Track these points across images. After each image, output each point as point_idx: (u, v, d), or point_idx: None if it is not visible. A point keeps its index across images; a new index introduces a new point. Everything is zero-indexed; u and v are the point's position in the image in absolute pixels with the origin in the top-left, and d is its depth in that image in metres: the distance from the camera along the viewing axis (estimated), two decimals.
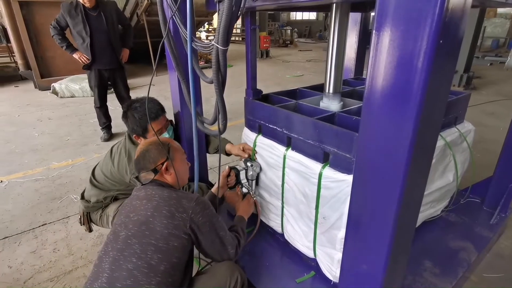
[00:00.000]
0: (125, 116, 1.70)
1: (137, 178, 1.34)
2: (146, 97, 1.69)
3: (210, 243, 1.23)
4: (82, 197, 1.87)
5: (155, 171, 1.29)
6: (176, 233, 1.13)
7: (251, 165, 1.68)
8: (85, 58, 3.54)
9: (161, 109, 1.74)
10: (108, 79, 3.77)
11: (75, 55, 3.54)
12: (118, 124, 3.89)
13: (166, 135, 1.75)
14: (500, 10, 13.04)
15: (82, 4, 3.33)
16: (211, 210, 1.24)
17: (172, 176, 1.33)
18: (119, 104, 3.96)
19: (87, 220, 1.90)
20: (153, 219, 1.13)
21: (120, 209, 1.27)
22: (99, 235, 2.16)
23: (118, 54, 3.69)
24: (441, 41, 0.68)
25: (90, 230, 1.95)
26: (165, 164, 1.30)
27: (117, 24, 3.66)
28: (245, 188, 1.75)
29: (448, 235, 1.86)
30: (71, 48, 3.54)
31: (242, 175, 1.74)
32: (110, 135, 4.00)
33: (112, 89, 3.94)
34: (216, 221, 1.24)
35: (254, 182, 1.73)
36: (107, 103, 3.94)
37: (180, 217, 1.15)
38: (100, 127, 4.00)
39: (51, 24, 3.45)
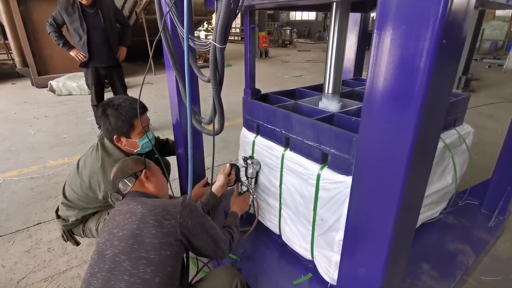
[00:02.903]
0: (104, 114, 1.55)
1: (118, 192, 1.30)
2: (124, 96, 1.67)
3: (202, 244, 1.20)
4: (58, 216, 1.75)
5: (135, 176, 1.27)
6: (167, 241, 1.09)
7: (251, 163, 1.67)
8: (81, 56, 3.51)
9: (145, 106, 1.68)
10: (105, 77, 3.74)
11: (72, 53, 3.52)
12: None
13: (150, 134, 1.67)
14: (498, 12, 13.08)
15: (79, 1, 3.31)
16: (198, 211, 1.21)
17: (154, 185, 1.31)
18: None
19: (71, 236, 1.80)
20: (140, 231, 1.07)
21: (103, 226, 1.21)
22: None
23: (115, 52, 3.67)
24: (444, 41, 0.66)
25: (77, 243, 1.87)
26: (144, 171, 1.30)
27: (115, 22, 3.64)
28: (245, 186, 1.74)
29: (446, 238, 1.85)
30: (68, 46, 3.51)
31: (242, 172, 1.73)
32: None
33: (110, 88, 3.91)
34: (205, 221, 1.22)
35: (253, 180, 1.72)
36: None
37: (169, 224, 1.10)
38: (98, 125, 3.96)
39: (47, 21, 3.43)
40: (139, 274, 1.02)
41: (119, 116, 1.54)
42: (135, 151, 1.66)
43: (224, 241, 1.28)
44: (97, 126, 3.97)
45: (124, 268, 1.02)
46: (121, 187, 1.29)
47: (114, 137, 1.58)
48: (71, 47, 3.52)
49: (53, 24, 3.41)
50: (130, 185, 1.28)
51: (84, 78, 3.89)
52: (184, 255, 1.27)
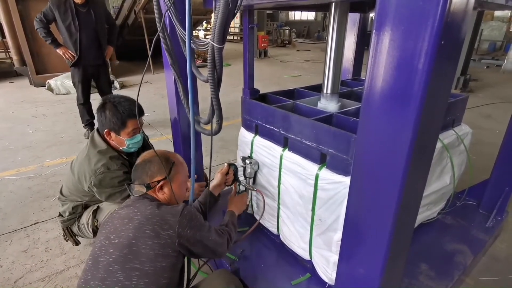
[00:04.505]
0: (103, 108, 1.63)
1: (129, 186, 1.27)
2: (126, 96, 1.69)
3: (202, 250, 1.18)
4: (59, 214, 1.87)
5: (148, 187, 1.22)
6: (164, 253, 1.06)
7: (250, 163, 1.67)
8: (69, 54, 3.50)
9: (142, 110, 1.72)
10: (92, 75, 3.76)
11: (59, 51, 3.50)
12: None
13: (139, 136, 1.70)
14: (497, 13, 13.11)
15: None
16: (198, 220, 1.18)
17: (165, 196, 1.26)
18: None
19: (70, 235, 1.88)
20: (136, 241, 1.05)
21: (100, 228, 1.19)
22: None
23: (104, 50, 3.72)
24: (442, 42, 0.66)
25: (77, 243, 1.93)
26: (161, 182, 1.23)
27: (105, 22, 3.69)
28: (242, 185, 1.73)
29: (444, 238, 1.85)
30: (56, 43, 3.50)
31: (240, 172, 1.72)
32: None
33: (95, 85, 3.92)
34: (204, 229, 1.19)
35: (251, 180, 1.71)
36: (91, 100, 3.89)
37: (167, 235, 1.07)
38: (83, 124, 3.92)
39: (36, 17, 3.39)
40: (131, 286, 1.00)
41: (115, 113, 1.61)
42: (121, 148, 1.71)
43: (222, 244, 1.26)
44: (83, 125, 3.93)
45: (116, 278, 1.01)
46: (133, 188, 1.24)
47: (105, 130, 1.65)
48: (58, 45, 3.50)
49: (43, 20, 3.38)
50: (141, 191, 1.23)
51: None
52: (185, 259, 1.26)
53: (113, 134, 1.65)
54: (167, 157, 1.28)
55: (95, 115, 1.70)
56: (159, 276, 1.05)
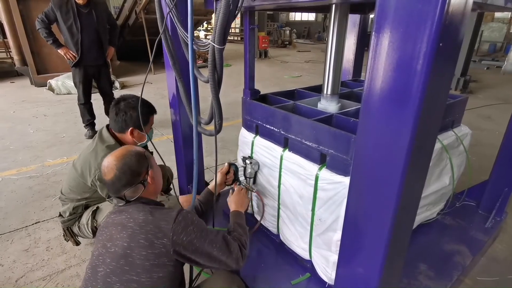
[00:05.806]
0: (117, 108, 1.64)
1: (120, 198, 1.16)
2: (135, 95, 1.73)
3: (207, 259, 1.11)
4: (59, 214, 1.88)
5: (144, 182, 1.16)
6: (160, 263, 1.03)
7: (250, 163, 1.67)
8: (70, 55, 3.52)
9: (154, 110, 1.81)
10: (93, 75, 3.78)
11: (61, 51, 3.52)
12: (102, 121, 3.91)
13: (153, 131, 1.82)
14: (497, 14, 13.12)
15: (75, 0, 3.35)
16: (195, 225, 1.11)
17: (153, 186, 1.21)
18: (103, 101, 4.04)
19: (71, 235, 1.89)
20: (131, 251, 1.02)
21: (97, 233, 1.15)
22: None
23: (105, 51, 3.74)
24: (441, 44, 0.67)
25: (77, 243, 1.94)
26: (150, 172, 1.18)
27: (106, 22, 3.71)
28: (242, 185, 1.74)
29: (443, 238, 1.86)
30: (57, 43, 3.51)
31: (241, 172, 1.73)
32: (94, 133, 3.96)
33: (96, 85, 3.94)
34: (204, 234, 1.12)
35: (251, 180, 1.72)
36: (92, 100, 3.91)
37: (161, 244, 1.03)
38: (84, 124, 3.93)
39: (38, 17, 3.40)
40: None
41: (135, 115, 1.66)
42: (138, 144, 1.76)
43: (232, 250, 1.16)
44: (83, 125, 3.94)
45: None
46: (128, 194, 1.14)
47: (130, 128, 1.68)
48: (60, 45, 3.52)
49: (44, 20, 3.39)
50: (139, 192, 1.16)
51: None
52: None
53: (136, 131, 1.70)
54: (137, 150, 1.22)
55: (109, 115, 1.73)
56: (157, 287, 1.03)
